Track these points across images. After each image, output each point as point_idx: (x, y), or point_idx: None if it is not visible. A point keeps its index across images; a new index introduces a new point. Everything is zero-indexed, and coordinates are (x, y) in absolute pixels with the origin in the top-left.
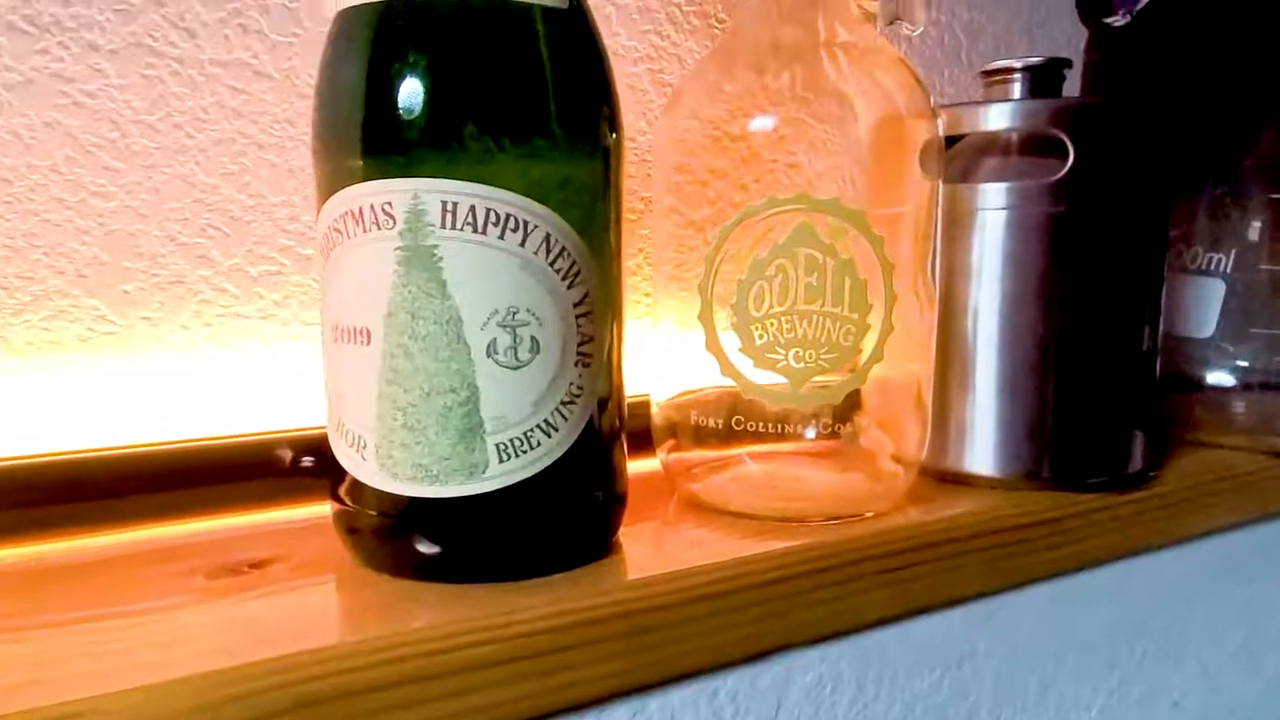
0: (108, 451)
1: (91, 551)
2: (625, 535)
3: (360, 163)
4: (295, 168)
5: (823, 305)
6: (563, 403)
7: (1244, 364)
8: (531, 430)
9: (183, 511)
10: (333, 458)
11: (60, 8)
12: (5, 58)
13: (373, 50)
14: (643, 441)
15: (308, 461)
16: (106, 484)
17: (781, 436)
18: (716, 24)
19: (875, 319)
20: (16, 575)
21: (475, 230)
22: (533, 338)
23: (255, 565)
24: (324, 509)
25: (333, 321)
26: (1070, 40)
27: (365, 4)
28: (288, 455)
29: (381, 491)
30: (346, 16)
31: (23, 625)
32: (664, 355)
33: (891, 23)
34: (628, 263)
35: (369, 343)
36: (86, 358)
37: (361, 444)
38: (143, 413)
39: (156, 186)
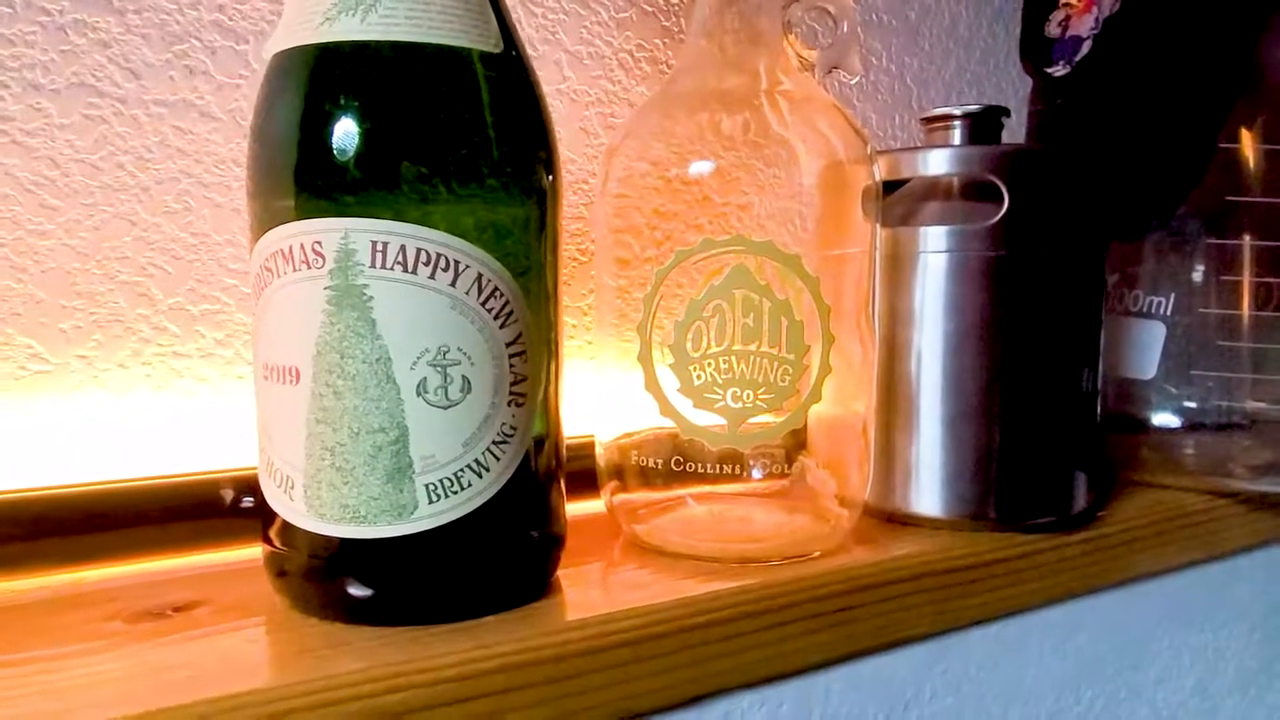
0: (42, 491)
1: (10, 595)
2: (566, 577)
3: (292, 202)
4: (240, 206)
5: (759, 346)
6: (495, 442)
7: (1189, 405)
8: (462, 470)
9: (117, 553)
10: (263, 499)
11: (3, 49)
12: None
13: (305, 92)
14: (593, 482)
15: (248, 502)
16: (36, 525)
17: (724, 477)
18: (667, 69)
19: (813, 360)
20: None
21: (406, 270)
22: (464, 377)
23: (179, 609)
24: (259, 551)
25: (263, 360)
26: (1017, 90)
27: (299, 46)
28: (229, 495)
29: (310, 533)
30: (281, 58)
31: None
32: (606, 396)
33: (830, 71)
34: (579, 303)
35: (297, 382)
36: (20, 396)
37: (290, 484)
38: (78, 452)
39: (96, 225)
